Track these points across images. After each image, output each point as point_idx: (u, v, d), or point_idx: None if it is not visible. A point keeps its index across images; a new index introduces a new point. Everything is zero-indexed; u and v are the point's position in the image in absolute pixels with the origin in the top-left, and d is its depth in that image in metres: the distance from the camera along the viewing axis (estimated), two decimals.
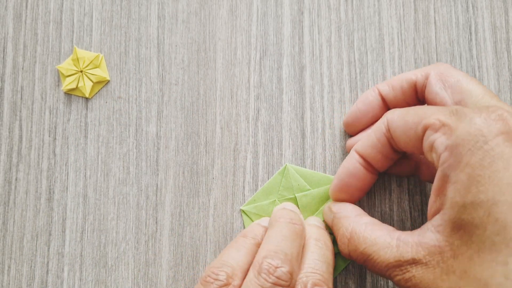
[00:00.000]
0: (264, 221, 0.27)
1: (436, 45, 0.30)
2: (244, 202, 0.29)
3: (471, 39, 0.30)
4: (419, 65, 0.30)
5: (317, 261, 0.24)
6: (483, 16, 0.30)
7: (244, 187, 0.29)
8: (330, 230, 0.27)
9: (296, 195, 0.28)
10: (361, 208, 0.26)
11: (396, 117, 0.23)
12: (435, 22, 0.30)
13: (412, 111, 0.23)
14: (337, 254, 0.27)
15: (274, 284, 0.22)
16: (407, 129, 0.22)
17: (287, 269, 0.22)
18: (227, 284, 0.23)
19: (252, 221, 0.28)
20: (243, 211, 0.29)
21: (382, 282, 0.28)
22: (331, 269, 0.25)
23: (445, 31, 0.30)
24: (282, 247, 0.23)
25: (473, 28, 0.30)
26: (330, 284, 0.24)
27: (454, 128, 0.20)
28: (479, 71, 0.30)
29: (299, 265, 0.24)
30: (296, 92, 0.30)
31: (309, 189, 0.28)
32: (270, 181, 0.29)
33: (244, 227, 0.29)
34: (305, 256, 0.24)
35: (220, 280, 0.23)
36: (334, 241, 0.27)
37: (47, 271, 0.29)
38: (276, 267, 0.22)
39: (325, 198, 0.28)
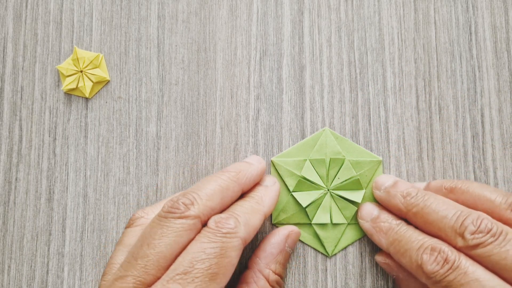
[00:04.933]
0: (252, 159, 0.28)
1: (436, 45, 0.30)
2: None
3: (471, 39, 0.30)
4: (419, 65, 0.30)
5: (239, 207, 0.25)
6: (483, 16, 0.30)
7: None
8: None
9: (330, 157, 0.29)
10: None
11: None
12: (435, 22, 0.30)
13: None
14: (355, 224, 0.29)
15: (171, 207, 0.24)
16: None
17: (182, 200, 0.24)
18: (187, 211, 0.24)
19: (279, 174, 0.29)
20: (273, 162, 0.29)
21: (382, 282, 0.28)
22: (253, 220, 0.25)
23: (445, 31, 0.30)
24: (196, 188, 0.25)
25: (473, 28, 0.30)
26: (244, 229, 0.24)
27: None
28: (479, 71, 0.30)
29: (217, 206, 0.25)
30: (296, 92, 0.30)
31: (343, 157, 0.29)
32: (306, 140, 0.29)
33: None
34: (233, 204, 0.26)
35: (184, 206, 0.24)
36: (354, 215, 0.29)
37: (47, 271, 0.29)
38: (177, 200, 0.24)
39: (357, 170, 0.28)
